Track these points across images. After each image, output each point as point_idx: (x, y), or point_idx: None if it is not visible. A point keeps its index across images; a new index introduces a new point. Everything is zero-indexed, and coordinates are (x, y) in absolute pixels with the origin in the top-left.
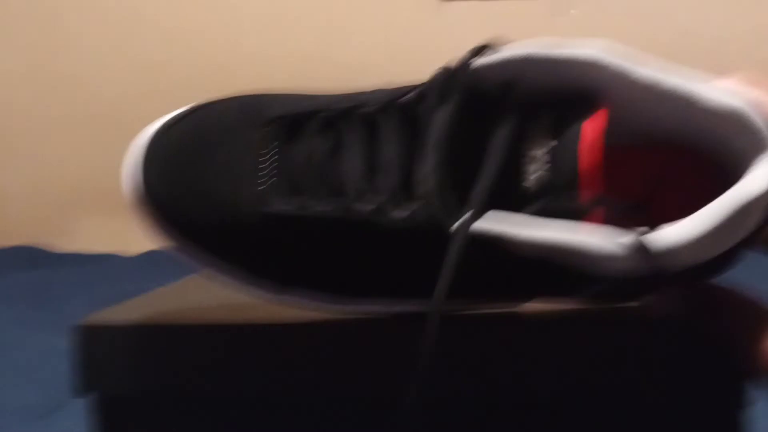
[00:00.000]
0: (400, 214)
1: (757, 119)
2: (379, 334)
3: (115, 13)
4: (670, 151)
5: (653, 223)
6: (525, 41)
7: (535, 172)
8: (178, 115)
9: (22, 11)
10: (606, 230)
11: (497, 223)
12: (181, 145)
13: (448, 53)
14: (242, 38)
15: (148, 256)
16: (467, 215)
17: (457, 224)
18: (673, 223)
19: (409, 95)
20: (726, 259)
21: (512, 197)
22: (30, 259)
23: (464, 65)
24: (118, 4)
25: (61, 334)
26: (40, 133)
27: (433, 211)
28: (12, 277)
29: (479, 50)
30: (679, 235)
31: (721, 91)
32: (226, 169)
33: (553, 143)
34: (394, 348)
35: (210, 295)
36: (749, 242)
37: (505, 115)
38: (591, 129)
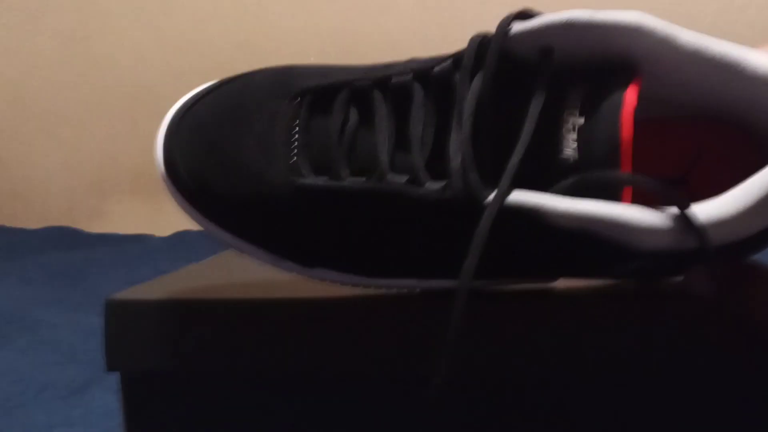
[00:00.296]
0: (433, 185)
1: None
2: (409, 311)
3: None
4: (712, 123)
5: (693, 198)
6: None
7: (571, 143)
8: (206, 89)
9: None
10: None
11: (533, 195)
12: (208, 119)
13: (481, 26)
14: (275, 16)
15: (181, 237)
16: (502, 187)
17: (491, 196)
18: (715, 197)
19: (443, 64)
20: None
21: (548, 169)
22: (64, 240)
23: (502, 31)
24: None
25: (96, 313)
26: (74, 115)
27: (467, 183)
28: (47, 257)
29: (517, 16)
30: (721, 209)
31: None
32: (255, 142)
33: (592, 113)
34: (424, 325)
35: (240, 272)
36: None
37: (541, 84)
38: (630, 99)
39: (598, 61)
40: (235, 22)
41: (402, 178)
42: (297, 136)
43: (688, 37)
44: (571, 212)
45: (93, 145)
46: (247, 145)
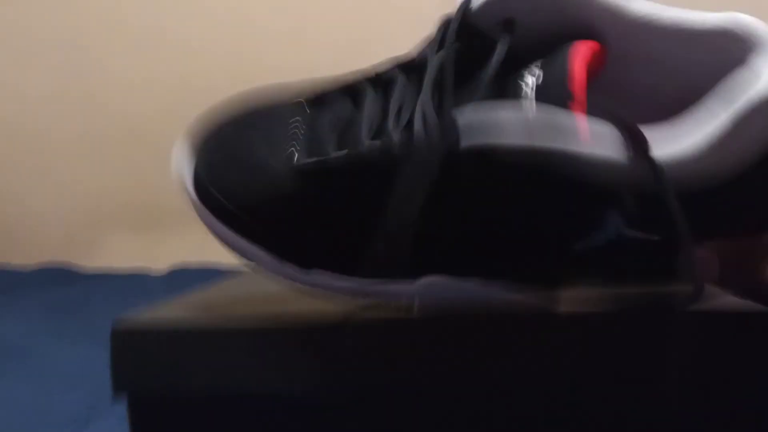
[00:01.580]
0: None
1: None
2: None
3: (137, 33)
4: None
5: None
6: None
7: (525, 95)
8: (221, 109)
9: (47, 34)
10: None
11: (483, 134)
12: (220, 129)
13: None
14: (266, 55)
15: (177, 273)
16: (457, 127)
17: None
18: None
19: (421, 51)
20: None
21: None
22: (61, 276)
23: (462, 7)
24: (141, 24)
25: (97, 345)
26: (67, 151)
27: (428, 134)
28: (44, 295)
29: None
30: (680, 145)
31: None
32: (260, 140)
33: (548, 68)
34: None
35: (244, 298)
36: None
37: (501, 49)
38: (582, 48)
39: (556, 32)
40: (228, 60)
41: (375, 147)
42: (295, 130)
43: (637, 5)
44: (522, 146)
45: (87, 181)
46: (260, 148)
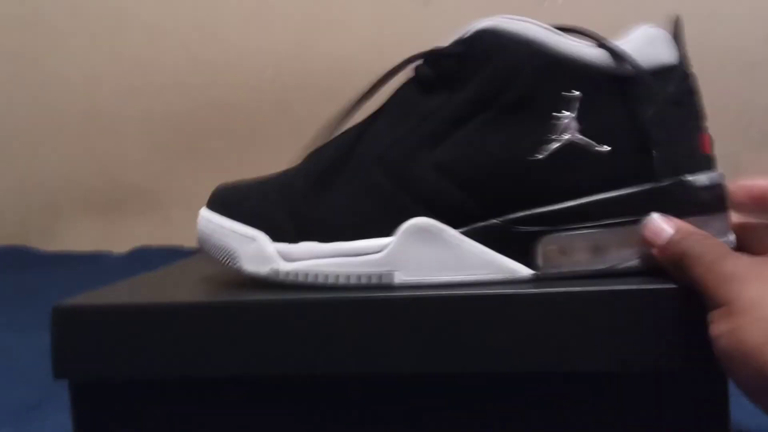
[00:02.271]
0: None
1: None
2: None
3: (100, 13)
4: None
5: None
6: None
7: None
8: None
9: (7, 12)
10: None
11: None
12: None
13: (434, 41)
14: (228, 34)
15: (136, 254)
16: None
17: None
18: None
19: None
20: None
21: None
22: (18, 260)
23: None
24: (101, 5)
25: (48, 332)
26: (26, 135)
27: None
28: (1, 279)
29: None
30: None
31: None
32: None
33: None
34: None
35: (190, 280)
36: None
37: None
38: None
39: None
40: (189, 40)
41: None
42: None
43: (536, 33)
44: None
45: (46, 165)
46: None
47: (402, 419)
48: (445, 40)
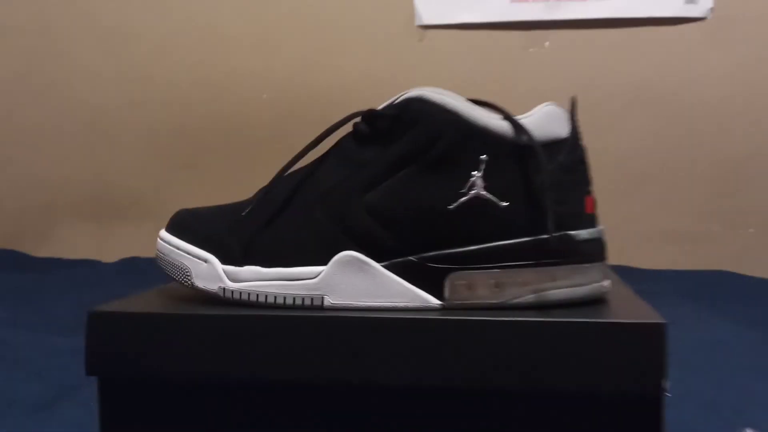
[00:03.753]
0: None
1: None
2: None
3: (103, 24)
4: None
5: None
6: None
7: None
8: None
9: (11, 20)
10: None
11: None
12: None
13: (428, 79)
14: (227, 56)
15: (128, 263)
16: None
17: None
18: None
19: None
20: None
21: None
22: (12, 263)
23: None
24: (107, 15)
25: (53, 333)
26: (25, 138)
27: None
28: None
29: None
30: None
31: None
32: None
33: None
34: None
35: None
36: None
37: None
38: None
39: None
40: (192, 59)
41: None
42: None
43: (455, 105)
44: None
45: (43, 169)
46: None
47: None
48: (443, 73)
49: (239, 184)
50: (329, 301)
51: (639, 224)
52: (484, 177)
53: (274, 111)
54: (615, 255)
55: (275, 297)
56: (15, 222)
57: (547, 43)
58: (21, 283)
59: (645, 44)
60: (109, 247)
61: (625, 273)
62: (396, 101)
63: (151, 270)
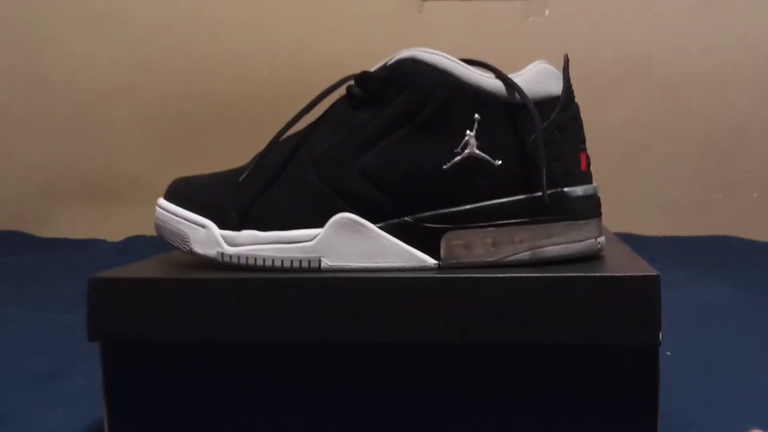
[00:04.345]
0: None
1: None
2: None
3: (94, 7)
4: None
5: None
6: None
7: None
8: None
9: (3, 8)
10: None
11: None
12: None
13: (422, 41)
14: (222, 36)
15: (130, 242)
16: None
17: None
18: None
19: None
20: None
21: None
22: (15, 244)
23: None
24: (99, 2)
25: (56, 310)
26: (24, 122)
27: None
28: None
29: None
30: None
31: None
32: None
33: None
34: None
35: (194, 261)
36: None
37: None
38: None
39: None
40: (188, 38)
41: None
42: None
43: (447, 65)
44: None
45: (43, 153)
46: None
47: (321, 384)
48: (442, 45)
49: (239, 163)
50: (326, 263)
51: (640, 194)
52: (478, 136)
53: (272, 88)
54: (616, 225)
55: (273, 260)
56: (15, 205)
57: (547, 12)
58: (24, 263)
59: (644, 13)
60: (108, 228)
61: (626, 240)
62: (389, 63)
63: (151, 250)
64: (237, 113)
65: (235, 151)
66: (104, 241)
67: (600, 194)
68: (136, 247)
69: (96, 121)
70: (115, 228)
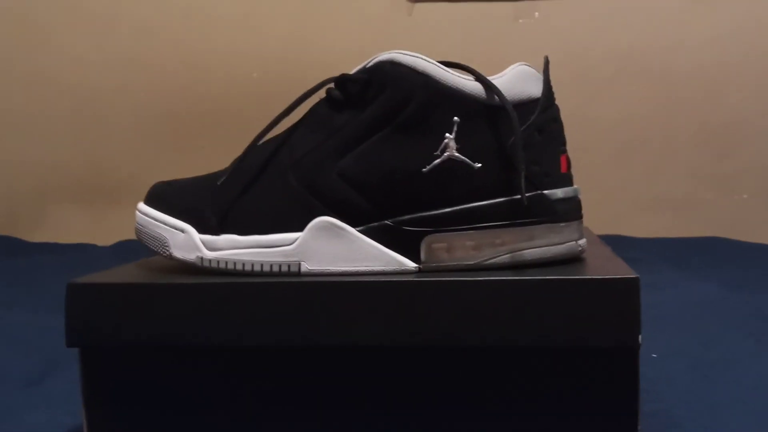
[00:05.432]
0: None
1: None
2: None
3: (89, 10)
4: None
5: None
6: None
7: None
8: None
9: (1, 6)
10: None
11: None
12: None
13: (412, 43)
14: (216, 36)
15: (121, 246)
16: None
17: None
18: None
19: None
20: None
21: None
22: (6, 249)
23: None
24: (93, 1)
25: (44, 312)
26: (16, 124)
27: None
28: None
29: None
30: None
31: None
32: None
33: None
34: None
35: (174, 266)
36: None
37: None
38: None
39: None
40: (180, 39)
41: None
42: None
43: (426, 67)
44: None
45: (34, 154)
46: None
47: (299, 388)
48: (432, 47)
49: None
50: (306, 267)
51: (631, 192)
52: (457, 139)
53: (264, 90)
54: (607, 224)
55: (252, 264)
56: (7, 208)
57: (536, 14)
58: (15, 267)
59: (634, 11)
60: (101, 229)
61: (616, 242)
62: (368, 65)
63: (143, 253)
64: (230, 114)
65: (227, 151)
66: (95, 246)
67: (581, 196)
68: (127, 250)
69: (88, 121)
70: (107, 230)
